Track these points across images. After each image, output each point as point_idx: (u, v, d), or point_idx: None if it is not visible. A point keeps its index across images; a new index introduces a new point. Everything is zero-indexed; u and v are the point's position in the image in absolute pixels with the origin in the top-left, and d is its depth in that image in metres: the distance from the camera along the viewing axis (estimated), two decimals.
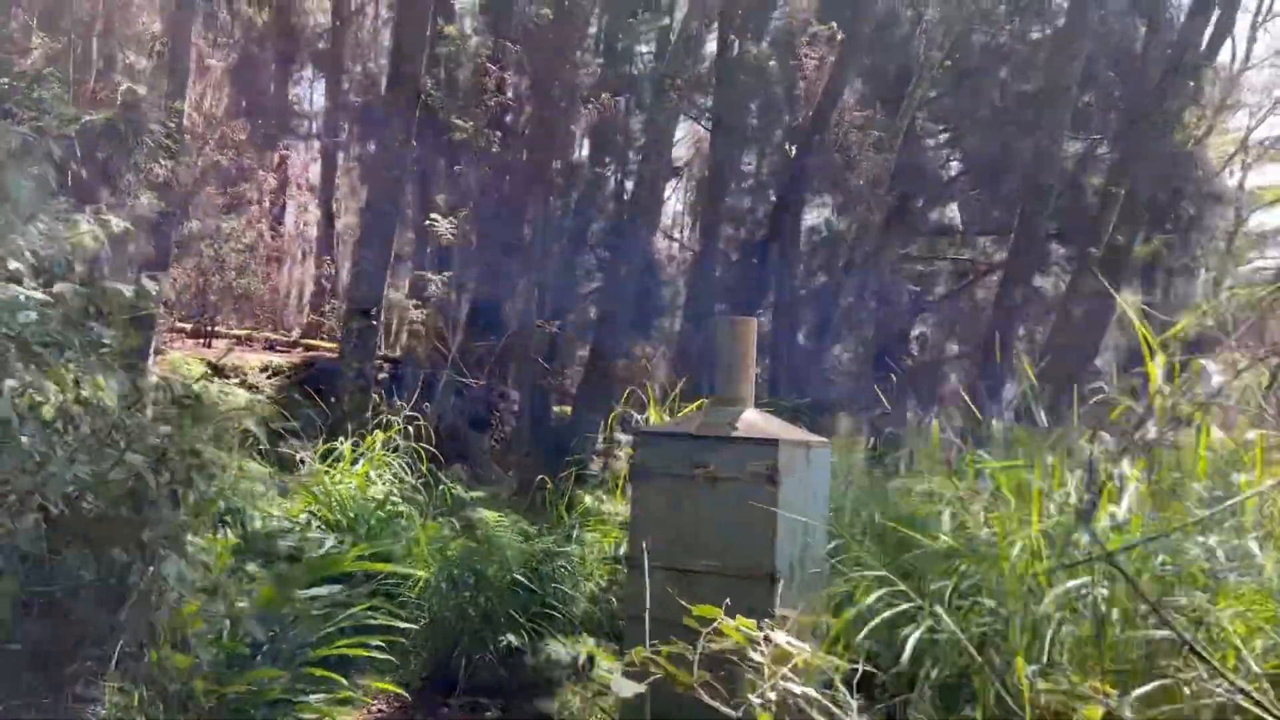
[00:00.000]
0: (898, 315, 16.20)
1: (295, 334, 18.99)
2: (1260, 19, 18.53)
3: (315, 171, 22.92)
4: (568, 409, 14.36)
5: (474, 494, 7.36)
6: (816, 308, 13.63)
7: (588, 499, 9.14)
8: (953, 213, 16.91)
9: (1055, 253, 14.30)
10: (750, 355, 5.05)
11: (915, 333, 16.96)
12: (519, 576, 5.40)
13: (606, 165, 15.73)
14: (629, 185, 17.02)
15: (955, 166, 16.04)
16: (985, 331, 12.32)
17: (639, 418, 7.88)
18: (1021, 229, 11.25)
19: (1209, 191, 16.35)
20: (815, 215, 14.16)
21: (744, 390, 5.00)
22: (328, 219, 21.25)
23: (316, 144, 22.31)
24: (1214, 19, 12.17)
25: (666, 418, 6.91)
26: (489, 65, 12.55)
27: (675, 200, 18.66)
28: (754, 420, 4.83)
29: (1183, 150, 13.16)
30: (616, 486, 8.72)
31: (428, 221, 12.88)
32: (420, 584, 5.47)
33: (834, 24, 12.49)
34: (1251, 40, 18.93)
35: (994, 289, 20.38)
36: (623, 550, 6.00)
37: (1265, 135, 19.95)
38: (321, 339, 17.97)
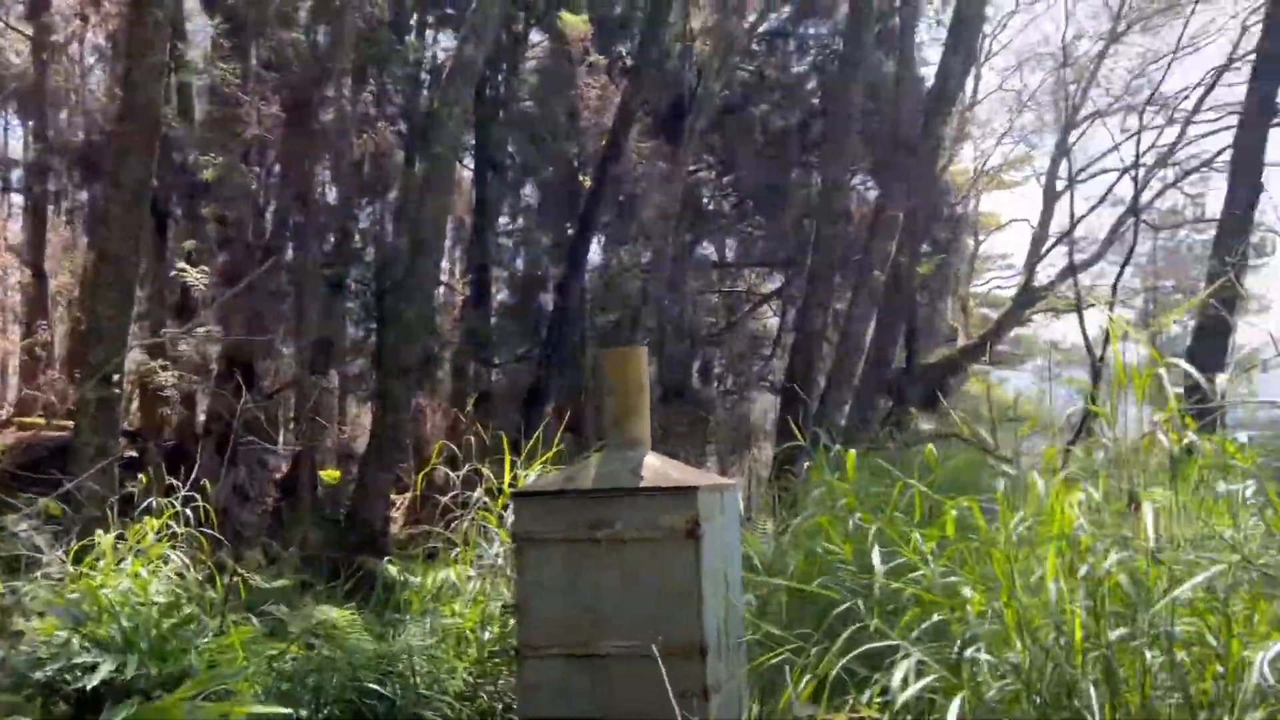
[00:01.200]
0: (693, 347, 15.99)
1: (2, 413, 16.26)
2: (982, 59, 20.11)
3: (14, 229, 20.05)
4: (352, 471, 12.98)
5: (279, 583, 6.12)
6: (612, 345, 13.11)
7: (400, 573, 8.03)
8: (734, 243, 17.06)
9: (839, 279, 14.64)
10: (645, 390, 4.32)
11: (717, 363, 16.82)
12: (369, 684, 4.34)
13: (363, 205, 14.59)
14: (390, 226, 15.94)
15: (738, 197, 16.12)
16: (788, 358, 12.31)
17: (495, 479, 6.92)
18: (818, 255, 11.27)
19: (958, 217, 17.35)
20: (603, 253, 13.69)
21: (641, 430, 4.26)
22: (39, 279, 18.52)
23: (15, 197, 19.57)
24: (960, 59, 12.84)
25: (525, 474, 6.04)
26: (240, 95, 11.19)
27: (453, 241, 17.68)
28: (659, 466, 4.09)
29: (938, 178, 13.84)
30: (430, 555, 7.71)
31: (175, 271, 11.26)
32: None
33: (618, 53, 12.16)
34: (977, 78, 20.52)
35: (775, 316, 20.88)
36: (503, 635, 5.08)
37: (993, 164, 21.65)
38: (42, 416, 15.47)
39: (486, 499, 7.07)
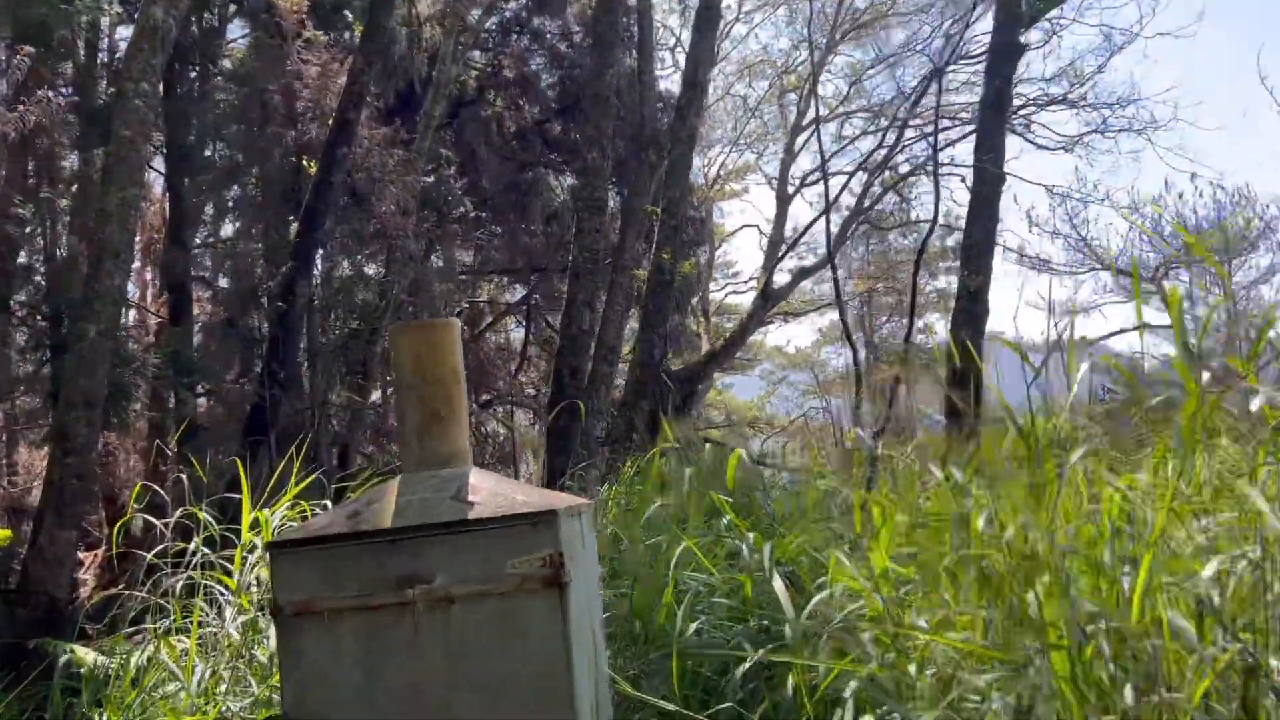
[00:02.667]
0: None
1: None
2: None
3: None
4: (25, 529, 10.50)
5: None
6: (347, 361, 11.46)
7: (94, 660, 6.17)
8: (470, 252, 15.76)
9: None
10: (461, 382, 3.07)
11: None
12: None
13: (26, 206, 12.05)
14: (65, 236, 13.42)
15: (479, 199, 14.84)
16: (554, 363, 11.25)
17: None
18: (580, 249, 10.29)
19: (701, 219, 17.07)
20: (331, 256, 11.93)
21: (458, 440, 3.01)
22: None
23: None
24: (706, 45, 12.42)
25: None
26: None
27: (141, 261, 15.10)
28: (494, 487, 2.86)
29: (689, 173, 13.37)
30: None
31: None
32: None
33: (339, 35, 10.61)
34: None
35: (516, 328, 19.75)
36: None
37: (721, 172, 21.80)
38: None
39: (208, 552, 5.50)
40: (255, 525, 4.45)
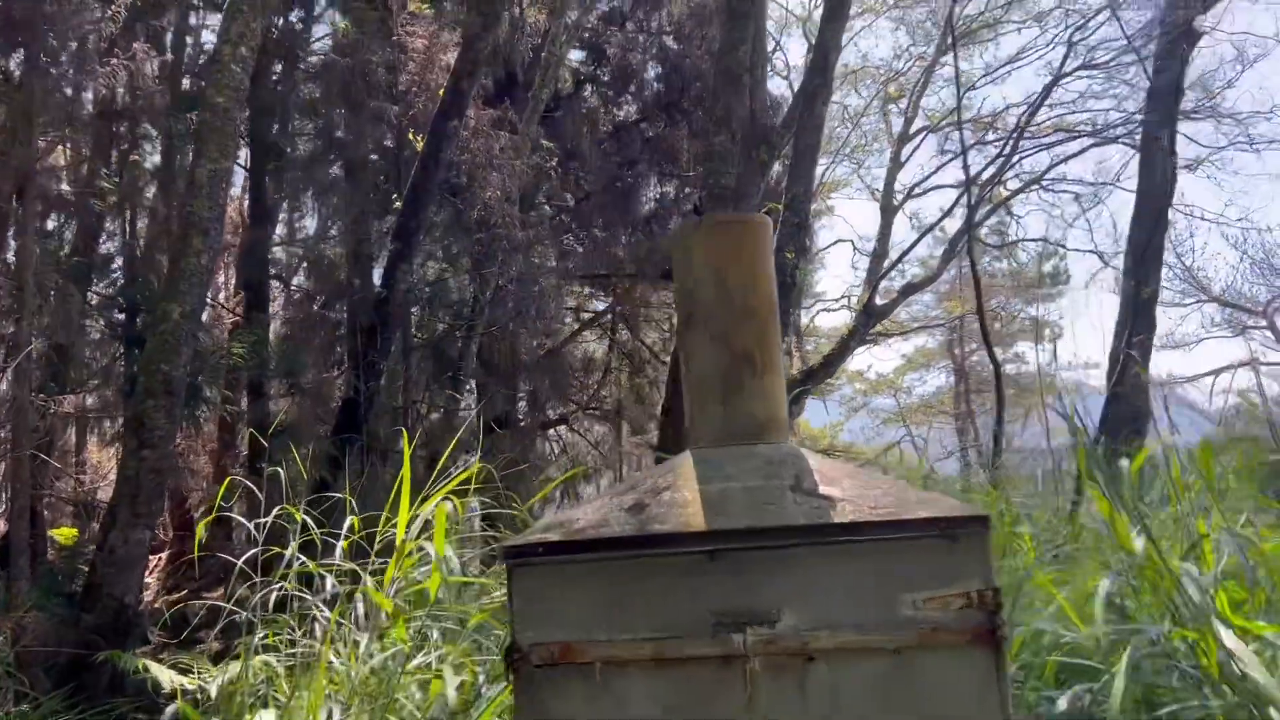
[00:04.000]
0: (517, 370, 13.64)
1: None
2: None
3: None
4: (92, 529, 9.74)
5: None
6: (439, 360, 10.58)
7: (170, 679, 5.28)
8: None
9: None
10: (776, 312, 2.08)
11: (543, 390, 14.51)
12: None
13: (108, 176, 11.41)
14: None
15: (581, 194, 13.95)
16: (669, 372, 10.28)
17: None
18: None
19: (808, 225, 15.99)
20: (428, 251, 11.05)
21: (776, 398, 2.02)
22: None
23: None
24: (834, 27, 11.44)
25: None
26: None
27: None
28: (850, 474, 1.86)
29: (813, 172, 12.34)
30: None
31: None
32: None
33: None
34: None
35: (596, 339, 18.83)
36: None
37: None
38: None
39: (306, 560, 4.61)
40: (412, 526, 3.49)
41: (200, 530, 6.23)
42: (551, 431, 16.70)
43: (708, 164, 9.63)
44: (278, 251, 14.98)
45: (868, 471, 1.99)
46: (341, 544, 5.40)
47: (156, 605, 12.75)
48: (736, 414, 1.92)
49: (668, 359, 19.02)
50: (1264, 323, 26.70)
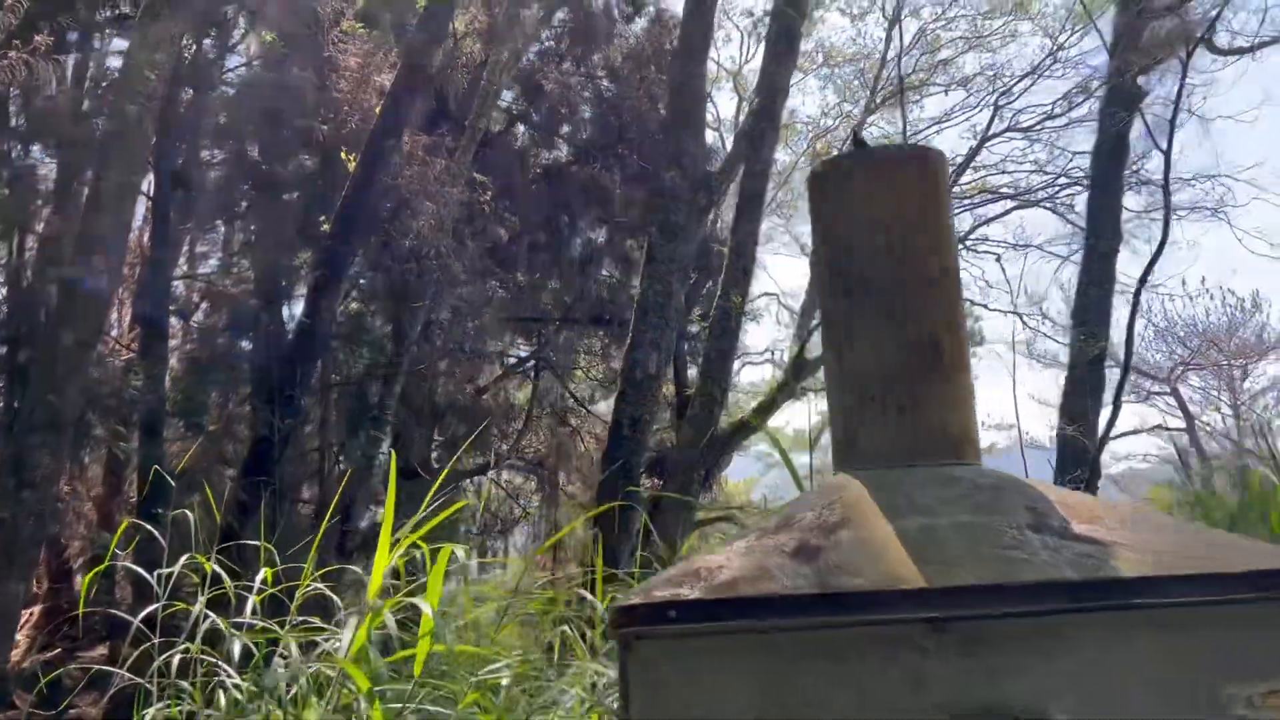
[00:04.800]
0: (437, 415, 12.88)
1: None
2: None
3: None
4: None
5: None
6: (361, 402, 9.80)
7: None
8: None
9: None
10: (959, 282, 1.56)
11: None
12: None
13: None
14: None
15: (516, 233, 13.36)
16: (615, 408, 9.71)
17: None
18: (652, 279, 8.86)
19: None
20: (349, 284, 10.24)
21: (968, 402, 1.49)
22: None
23: None
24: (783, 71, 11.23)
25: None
26: None
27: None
28: (1093, 508, 1.34)
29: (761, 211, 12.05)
30: None
31: None
32: None
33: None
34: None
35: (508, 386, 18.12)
36: None
37: None
38: None
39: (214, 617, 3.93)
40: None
41: (86, 582, 5.37)
42: (469, 482, 15.87)
43: (659, 200, 9.21)
44: (179, 285, 13.99)
45: (1121, 505, 1.46)
46: (253, 598, 4.65)
47: (25, 665, 11.45)
48: (920, 422, 1.39)
49: (594, 409, 18.43)
50: (1168, 389, 27.52)
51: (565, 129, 14.47)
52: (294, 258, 9.77)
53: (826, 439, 30.28)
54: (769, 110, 10.58)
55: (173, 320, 13.27)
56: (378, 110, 8.25)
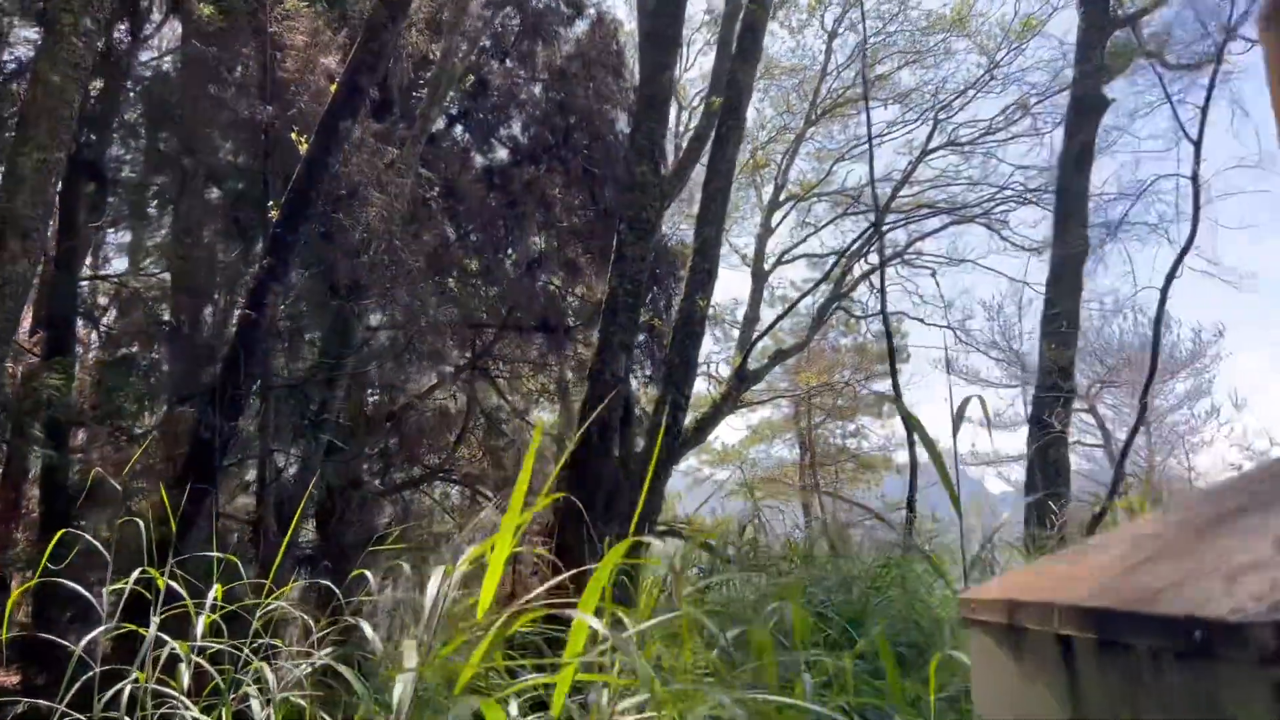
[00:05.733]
0: (370, 427, 12.17)
1: None
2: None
3: None
4: None
5: None
6: (301, 405, 9.08)
7: None
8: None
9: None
10: None
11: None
12: None
13: None
14: None
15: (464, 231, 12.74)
16: (578, 413, 9.16)
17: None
18: (620, 278, 8.40)
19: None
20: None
21: None
22: None
23: None
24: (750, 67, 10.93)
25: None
26: None
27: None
28: None
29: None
30: None
31: None
32: None
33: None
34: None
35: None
36: None
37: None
38: None
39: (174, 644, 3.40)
40: None
41: (11, 602, 4.63)
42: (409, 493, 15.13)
43: (630, 195, 8.76)
44: (84, 286, 12.98)
45: None
46: (204, 619, 4.06)
47: None
48: None
49: (532, 420, 17.82)
50: (1086, 407, 28.12)
51: (509, 129, 13.94)
52: (237, 246, 9.03)
53: (754, 452, 30.10)
54: (735, 109, 10.26)
55: (96, 314, 12.33)
56: (331, 89, 7.63)
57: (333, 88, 7.61)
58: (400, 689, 2.15)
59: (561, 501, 8.57)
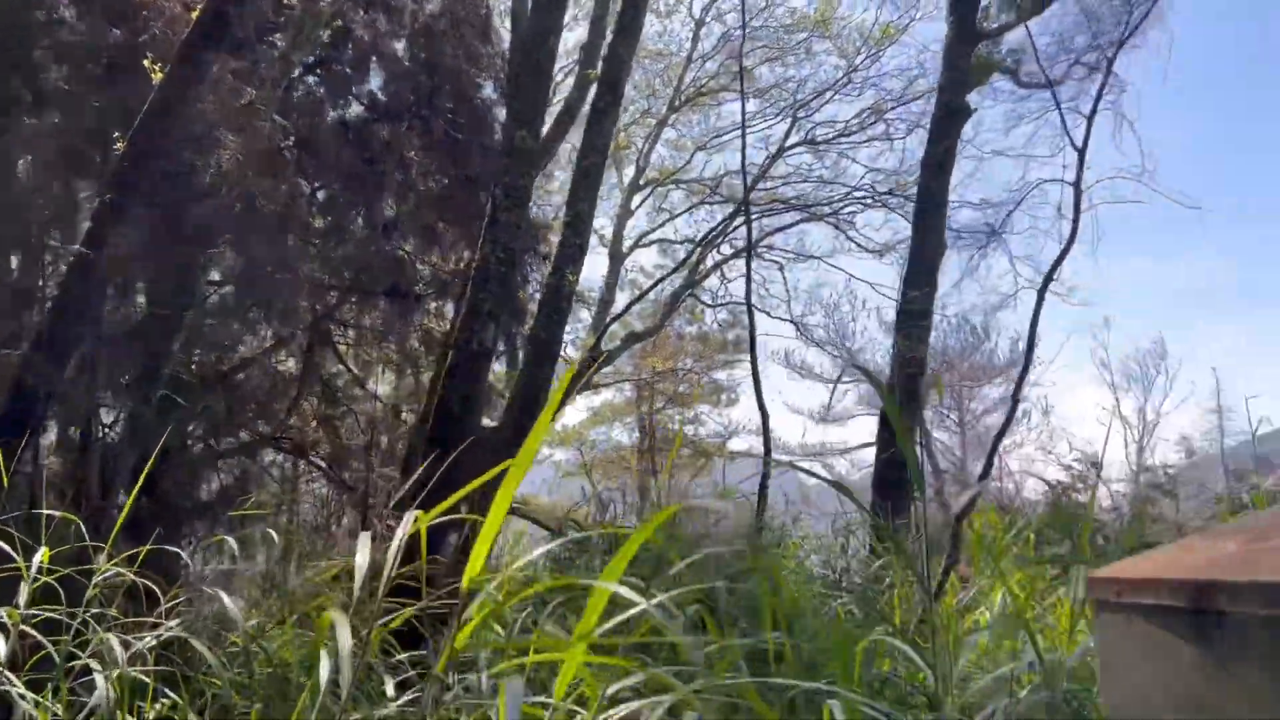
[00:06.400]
0: (205, 386, 11.40)
1: None
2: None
3: None
4: None
5: None
6: (134, 356, 8.34)
7: None
8: None
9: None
10: None
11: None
12: None
13: None
14: None
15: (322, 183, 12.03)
16: (441, 389, 8.75)
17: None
18: (493, 244, 8.09)
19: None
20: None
21: None
22: None
23: None
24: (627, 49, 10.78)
25: None
26: None
27: None
28: None
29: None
30: None
31: None
32: None
33: None
34: None
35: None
36: None
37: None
38: None
39: None
40: None
41: None
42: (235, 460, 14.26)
43: (508, 161, 8.46)
44: None
45: None
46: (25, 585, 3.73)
47: None
48: None
49: (376, 387, 17.13)
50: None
51: (369, 84, 13.28)
52: (72, 180, 8.19)
53: (594, 433, 30.14)
54: (614, 84, 10.08)
55: None
56: (192, 16, 6.99)
57: (193, 15, 6.98)
58: (335, 666, 1.91)
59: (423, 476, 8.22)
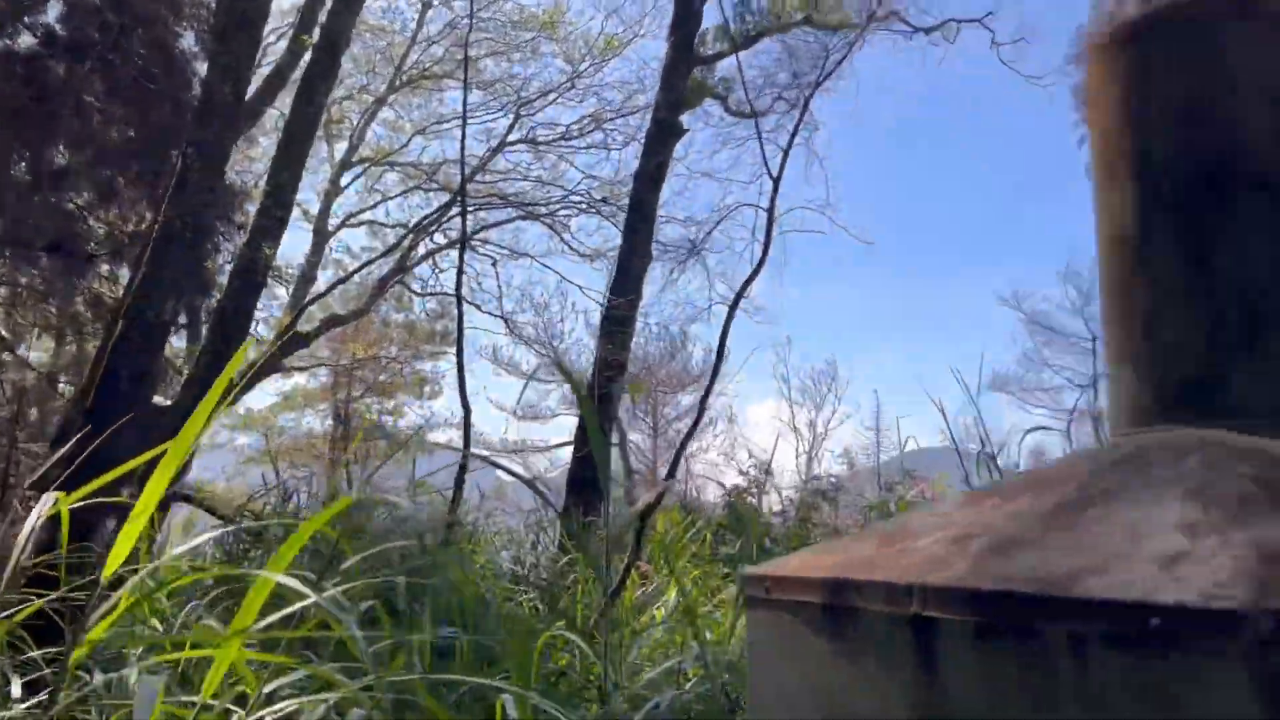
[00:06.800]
0: None
1: None
2: None
3: None
4: None
5: None
6: None
7: None
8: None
9: None
10: None
11: None
12: None
13: None
14: None
15: None
16: (104, 362, 7.78)
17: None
18: (178, 202, 7.41)
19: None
20: None
21: None
22: None
23: None
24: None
25: None
26: None
27: None
28: None
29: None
30: None
31: None
32: None
33: None
34: None
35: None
36: None
37: None
38: None
39: None
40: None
41: None
42: None
43: (204, 115, 7.79)
44: None
45: None
46: None
47: None
48: (1258, 372, 1.07)
49: (29, 354, 15.19)
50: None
51: (49, 15, 11.83)
52: None
53: (284, 419, 28.56)
54: (331, 50, 9.61)
55: None
56: None
57: None
58: None
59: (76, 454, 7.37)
